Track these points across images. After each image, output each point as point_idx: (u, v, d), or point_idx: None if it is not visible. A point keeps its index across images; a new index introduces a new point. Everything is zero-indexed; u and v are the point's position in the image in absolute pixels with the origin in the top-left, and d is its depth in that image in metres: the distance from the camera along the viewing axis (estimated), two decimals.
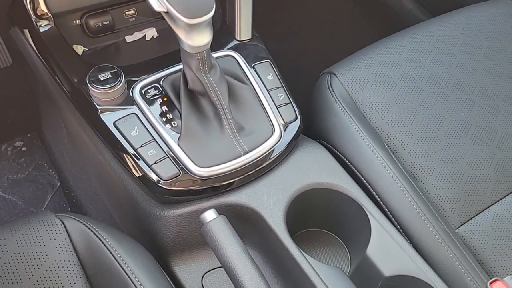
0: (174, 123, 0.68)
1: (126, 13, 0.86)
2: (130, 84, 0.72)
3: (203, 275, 0.68)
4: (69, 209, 1.17)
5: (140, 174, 0.67)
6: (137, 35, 0.89)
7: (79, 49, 0.85)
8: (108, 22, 0.85)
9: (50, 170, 1.23)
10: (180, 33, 0.61)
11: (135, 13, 0.87)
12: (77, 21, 0.83)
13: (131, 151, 0.66)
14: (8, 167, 1.22)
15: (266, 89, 0.74)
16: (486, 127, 0.82)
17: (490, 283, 0.56)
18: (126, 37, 0.89)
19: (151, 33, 0.90)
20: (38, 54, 0.77)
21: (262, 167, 0.68)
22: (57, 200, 1.18)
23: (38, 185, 1.20)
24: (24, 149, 1.27)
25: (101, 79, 0.69)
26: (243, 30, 0.80)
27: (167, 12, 0.60)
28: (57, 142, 1.20)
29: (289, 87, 0.79)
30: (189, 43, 0.62)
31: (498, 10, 0.97)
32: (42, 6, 0.74)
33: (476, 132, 0.82)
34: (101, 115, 0.68)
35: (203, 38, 0.62)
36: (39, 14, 0.75)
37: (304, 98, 0.88)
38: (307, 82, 0.93)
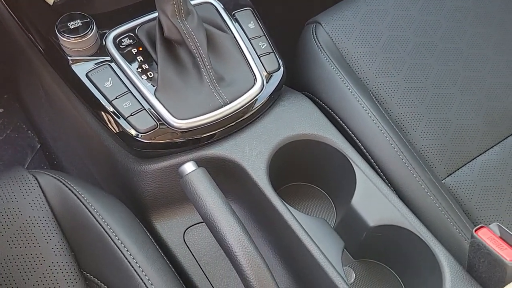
0: (150, 74, 0.65)
1: None
2: (103, 34, 0.68)
3: (185, 231, 0.66)
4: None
5: (116, 128, 0.64)
6: None
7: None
8: None
9: (29, 131, 1.19)
10: None
11: None
12: None
13: (105, 103, 0.63)
14: None
15: (248, 37, 0.71)
16: (475, 77, 0.80)
17: (476, 230, 0.55)
18: None
19: None
20: (7, 7, 0.72)
21: (244, 119, 0.65)
22: (37, 162, 1.15)
23: (18, 147, 1.17)
24: (1, 110, 1.22)
25: (71, 28, 0.65)
26: None
27: None
28: (35, 103, 1.16)
29: (272, 37, 0.76)
30: None
31: None
32: None
33: (464, 82, 0.79)
34: (73, 66, 0.65)
35: None
36: None
37: (289, 48, 0.84)
38: (292, 32, 0.89)
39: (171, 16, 0.62)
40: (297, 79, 0.81)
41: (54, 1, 0.79)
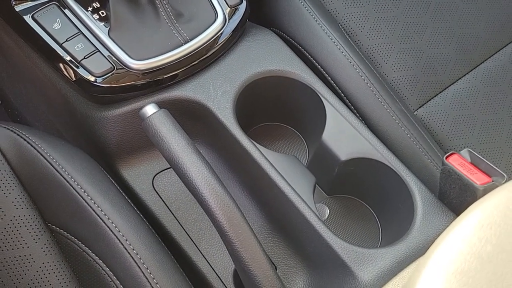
0: (102, 13, 0.60)
1: None
2: None
3: (154, 177, 0.64)
4: None
5: (72, 73, 0.60)
6: None
7: None
8: None
9: None
10: None
11: None
12: None
13: (56, 47, 0.59)
14: None
15: None
16: (447, 3, 0.78)
17: (446, 157, 0.55)
18: None
19: None
20: None
21: (206, 57, 0.62)
22: (0, 120, 1.10)
23: None
24: None
25: None
26: None
27: None
28: None
29: None
30: None
31: None
32: None
33: (436, 9, 0.77)
34: (16, 8, 0.59)
35: None
36: None
37: None
38: None
39: None
40: (263, 14, 0.77)
41: None
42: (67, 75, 0.61)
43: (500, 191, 0.33)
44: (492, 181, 0.52)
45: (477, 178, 0.52)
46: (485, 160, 0.53)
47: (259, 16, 0.76)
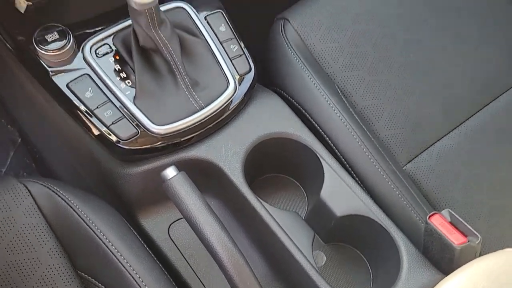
0: (128, 82, 0.69)
1: None
2: (79, 42, 0.70)
3: (169, 226, 0.72)
4: (33, 164, 1.17)
5: (99, 135, 0.68)
6: None
7: (22, 4, 0.81)
8: None
9: (9, 126, 1.21)
10: None
11: None
12: None
13: (87, 113, 0.67)
14: None
15: (219, 41, 0.74)
16: (434, 67, 0.86)
17: (429, 217, 0.62)
18: None
19: None
20: None
21: (218, 121, 0.70)
22: (20, 156, 1.18)
23: None
24: None
25: (49, 40, 0.68)
26: None
27: None
28: (11, 97, 1.17)
29: (244, 31, 0.79)
30: (136, 0, 0.61)
31: None
32: None
33: (424, 72, 0.85)
34: (54, 78, 0.68)
35: None
36: None
37: (260, 41, 0.88)
38: (263, 24, 0.92)
39: (145, 27, 0.65)
40: (267, 74, 0.85)
41: (27, 6, 0.81)
42: (94, 134, 0.69)
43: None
44: (468, 241, 0.59)
45: (455, 238, 0.60)
46: (463, 221, 0.61)
47: (264, 76, 0.84)
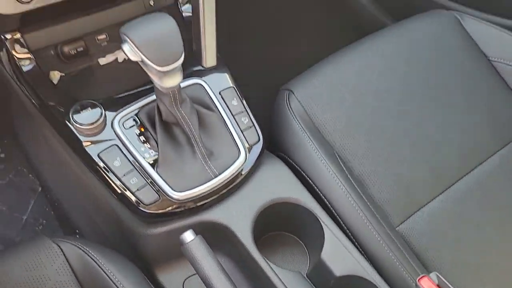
0: (152, 152, 0.78)
1: (98, 38, 0.93)
2: (109, 114, 0.80)
3: (184, 281, 0.79)
4: (52, 213, 1.25)
5: (123, 199, 0.76)
6: (109, 58, 0.96)
7: (56, 75, 0.91)
8: (82, 48, 0.91)
9: (30, 175, 1.30)
10: (154, 77, 0.70)
11: (106, 38, 0.94)
12: (53, 51, 0.89)
13: (115, 180, 0.75)
14: None
15: (232, 114, 0.84)
16: (424, 134, 0.95)
17: (419, 279, 0.70)
18: (99, 60, 0.95)
19: (122, 55, 0.97)
20: (24, 92, 0.83)
21: (230, 188, 0.79)
22: (40, 204, 1.26)
23: (20, 190, 1.27)
24: (2, 155, 1.32)
25: (83, 114, 0.77)
26: (209, 58, 0.88)
27: (141, 61, 0.68)
28: (33, 147, 1.25)
29: (253, 97, 0.89)
30: (162, 85, 0.70)
31: (437, 21, 1.08)
32: (24, 48, 0.80)
33: (415, 140, 0.94)
34: (86, 148, 0.77)
35: (174, 80, 0.70)
36: (19, 54, 0.81)
37: (268, 105, 0.98)
38: (272, 87, 1.02)
39: (168, 105, 0.75)
40: (273, 140, 0.94)
41: (60, 76, 0.91)
42: (118, 197, 0.77)
43: None
44: None
45: None
46: (449, 284, 0.69)
47: (270, 142, 0.93)
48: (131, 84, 0.86)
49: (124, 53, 0.68)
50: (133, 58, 0.68)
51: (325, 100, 0.94)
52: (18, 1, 0.66)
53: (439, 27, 1.07)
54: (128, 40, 0.66)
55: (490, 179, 0.95)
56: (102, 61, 0.95)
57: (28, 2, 0.67)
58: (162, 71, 0.68)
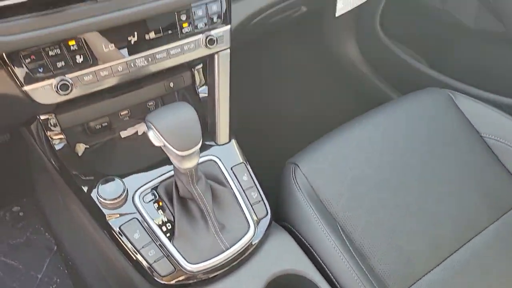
0: (168, 225, 0.84)
1: (121, 113, 1.02)
2: (131, 188, 0.87)
3: None
4: (66, 271, 1.30)
5: (140, 269, 0.82)
6: (130, 131, 1.05)
7: (81, 147, 1.00)
8: (106, 123, 1.00)
9: (47, 234, 1.36)
10: (174, 159, 0.78)
11: (128, 113, 1.03)
12: (80, 126, 0.98)
13: (134, 251, 0.82)
14: (8, 232, 1.34)
15: (242, 189, 0.91)
16: (422, 207, 1.01)
17: None
18: (121, 133, 1.04)
19: (142, 128, 1.06)
20: (51, 162, 0.91)
21: (240, 260, 0.84)
22: (54, 263, 1.31)
23: (36, 249, 1.33)
24: (21, 214, 1.39)
25: (108, 189, 0.84)
26: (222, 135, 0.97)
27: (164, 145, 0.76)
28: (51, 208, 1.32)
29: (263, 167, 0.96)
30: (181, 166, 0.78)
31: (432, 99, 1.17)
32: (57, 127, 0.89)
33: (413, 212, 1.00)
34: (109, 221, 0.84)
35: (192, 162, 0.78)
36: (52, 132, 0.89)
37: (275, 176, 1.05)
38: (280, 159, 1.10)
39: (185, 183, 0.82)
40: (279, 210, 1.01)
41: (85, 148, 1.00)
42: (135, 266, 0.83)
43: None
44: None
45: None
46: None
47: (276, 212, 1.00)
48: (150, 156, 0.94)
49: (149, 138, 0.76)
50: (156, 143, 0.76)
51: (328, 174, 1.01)
52: (57, 92, 0.75)
53: (434, 104, 1.16)
54: (153, 128, 0.74)
55: (486, 250, 1.00)
56: (124, 133, 1.04)
57: (67, 93, 0.75)
58: (181, 155, 0.76)
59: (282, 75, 1.71)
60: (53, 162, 0.93)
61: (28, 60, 0.71)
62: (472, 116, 1.16)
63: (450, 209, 1.03)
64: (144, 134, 1.05)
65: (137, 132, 1.06)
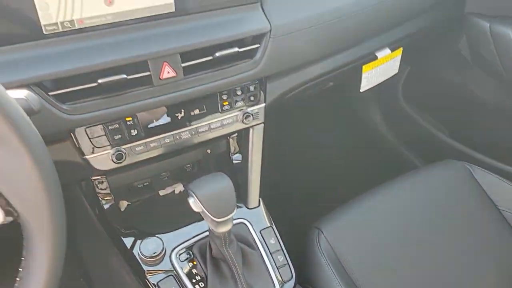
0: (201, 284, 0.92)
1: (161, 174, 1.12)
2: (168, 246, 0.96)
3: None
4: None
5: None
6: (168, 190, 1.15)
7: (124, 204, 1.10)
8: (147, 183, 1.10)
9: (82, 279, 1.43)
10: (210, 224, 0.86)
11: (167, 174, 1.13)
12: (125, 186, 1.08)
13: None
14: None
15: (269, 251, 0.98)
16: (439, 277, 1.06)
17: None
18: (160, 191, 1.14)
19: (179, 188, 1.16)
20: (99, 219, 1.01)
21: None
22: None
23: None
24: None
25: (148, 247, 0.93)
26: (252, 200, 1.06)
27: (202, 212, 0.86)
28: (89, 257, 1.40)
29: (289, 229, 1.03)
30: (216, 230, 0.87)
31: (450, 171, 1.24)
32: (106, 187, 0.99)
33: (432, 282, 1.05)
34: (148, 277, 0.92)
35: (226, 227, 0.87)
36: (101, 191, 1.00)
37: (299, 238, 1.12)
38: (305, 222, 1.17)
39: (219, 245, 0.90)
40: (303, 273, 1.07)
41: (127, 205, 1.10)
42: None
43: None
44: None
45: None
46: None
47: (301, 275, 1.06)
48: (185, 213, 1.03)
49: (189, 204, 0.86)
50: (196, 209, 0.85)
51: (351, 241, 1.08)
52: (113, 161, 0.86)
53: (452, 177, 1.23)
54: (194, 196, 0.84)
55: None
56: (162, 192, 1.14)
57: (121, 162, 0.86)
58: (217, 221, 0.84)
59: (308, 139, 1.81)
60: (99, 217, 1.03)
61: (91, 134, 0.83)
62: (490, 189, 1.22)
63: (467, 280, 1.07)
64: (181, 193, 1.15)
65: (174, 191, 1.16)
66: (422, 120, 1.70)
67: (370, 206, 1.14)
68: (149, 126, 0.88)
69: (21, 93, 0.55)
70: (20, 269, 0.51)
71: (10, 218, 0.48)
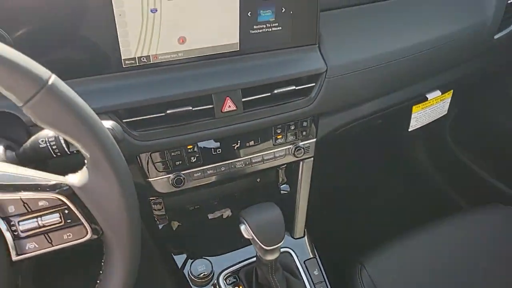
0: None
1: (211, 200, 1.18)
2: (216, 269, 1.00)
3: None
4: None
5: None
6: (217, 214, 1.20)
7: (175, 224, 1.16)
8: (198, 206, 1.16)
9: None
10: (258, 251, 0.90)
11: (217, 199, 1.19)
12: (177, 208, 1.14)
13: None
14: None
15: (313, 282, 1.01)
16: None
17: None
18: (208, 215, 1.20)
19: (227, 213, 1.21)
20: (152, 239, 1.08)
21: None
22: None
23: None
24: None
25: (198, 268, 0.98)
26: (298, 230, 1.09)
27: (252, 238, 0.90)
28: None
29: (333, 261, 1.05)
30: (264, 257, 0.91)
31: (496, 215, 1.23)
32: (162, 208, 1.06)
33: None
34: None
35: (274, 255, 0.90)
36: (157, 212, 1.07)
37: (342, 272, 1.14)
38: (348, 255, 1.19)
39: (265, 272, 0.94)
40: None
41: (177, 226, 1.15)
42: None
43: None
44: None
45: None
46: None
47: None
48: (232, 237, 1.08)
49: (240, 230, 0.90)
50: (246, 236, 0.89)
51: (393, 278, 1.09)
52: (172, 185, 0.92)
53: (500, 221, 1.21)
54: (245, 223, 0.88)
55: None
56: (211, 216, 1.20)
57: (179, 186, 0.92)
58: (266, 249, 0.88)
59: (354, 174, 1.83)
60: (152, 237, 1.10)
61: (155, 158, 0.89)
62: None
63: None
64: (228, 218, 1.20)
65: (222, 215, 1.21)
66: (468, 160, 1.69)
67: (415, 245, 1.15)
68: (207, 154, 0.93)
69: (108, 124, 0.62)
70: (98, 281, 0.56)
71: (95, 236, 0.53)
